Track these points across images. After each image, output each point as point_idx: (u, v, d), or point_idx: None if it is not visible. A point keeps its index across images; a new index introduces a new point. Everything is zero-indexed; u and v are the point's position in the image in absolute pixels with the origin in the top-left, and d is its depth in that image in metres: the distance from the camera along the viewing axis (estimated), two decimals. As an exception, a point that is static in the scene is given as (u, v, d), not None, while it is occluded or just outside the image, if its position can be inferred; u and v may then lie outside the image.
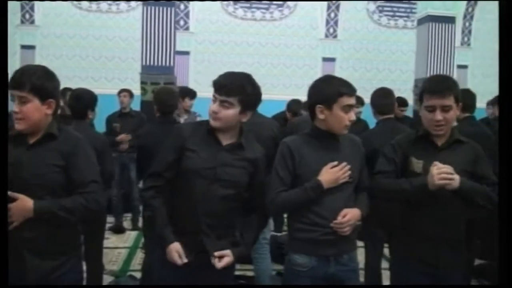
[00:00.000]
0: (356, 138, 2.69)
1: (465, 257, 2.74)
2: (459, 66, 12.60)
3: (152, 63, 7.99)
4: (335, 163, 2.41)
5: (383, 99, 4.01)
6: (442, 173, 2.34)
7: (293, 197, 2.46)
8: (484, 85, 12.85)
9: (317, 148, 2.51)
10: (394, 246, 2.80)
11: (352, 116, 2.45)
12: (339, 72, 12.00)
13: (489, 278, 4.66)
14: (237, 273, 4.70)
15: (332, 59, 12.09)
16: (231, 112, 2.37)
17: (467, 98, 4.17)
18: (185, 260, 2.35)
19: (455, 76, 11.99)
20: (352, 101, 2.45)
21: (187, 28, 11.31)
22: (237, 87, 2.35)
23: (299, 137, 2.61)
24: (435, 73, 8.37)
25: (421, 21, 8.76)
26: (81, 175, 2.24)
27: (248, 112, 2.43)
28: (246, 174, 2.46)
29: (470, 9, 12.64)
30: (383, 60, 12.33)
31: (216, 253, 2.36)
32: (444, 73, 8.42)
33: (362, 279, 4.34)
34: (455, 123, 2.69)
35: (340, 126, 2.47)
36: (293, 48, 11.95)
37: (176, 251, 2.37)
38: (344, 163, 2.42)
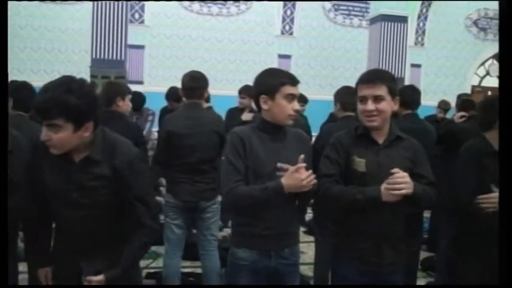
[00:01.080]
0: (305, 135, 2.72)
1: (406, 254, 2.75)
2: (413, 65, 12.99)
3: (102, 56, 7.89)
4: (303, 165, 2.35)
5: (349, 97, 4.06)
6: (397, 183, 2.33)
7: (253, 194, 2.41)
8: (436, 84, 13.31)
9: (265, 140, 2.51)
10: (336, 245, 2.77)
11: (295, 105, 2.48)
12: (294, 69, 12.12)
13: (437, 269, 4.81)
14: (187, 270, 4.69)
15: (288, 56, 12.24)
16: (63, 135, 2.01)
17: (409, 95, 4.27)
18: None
19: (408, 74, 12.33)
20: (294, 90, 2.48)
21: (142, 22, 11.23)
22: (57, 105, 1.95)
23: (248, 128, 2.61)
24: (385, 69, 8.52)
25: (373, 20, 8.94)
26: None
27: (87, 125, 2.06)
28: (107, 194, 2.15)
29: (424, 10, 13.00)
30: (338, 58, 12.58)
31: (87, 278, 2.12)
32: (396, 71, 8.60)
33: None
34: (391, 120, 2.71)
35: (284, 116, 2.49)
36: (249, 44, 12.03)
37: (44, 275, 2.33)
38: (310, 171, 2.38)
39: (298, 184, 2.34)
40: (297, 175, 2.33)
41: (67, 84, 2.01)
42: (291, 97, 2.47)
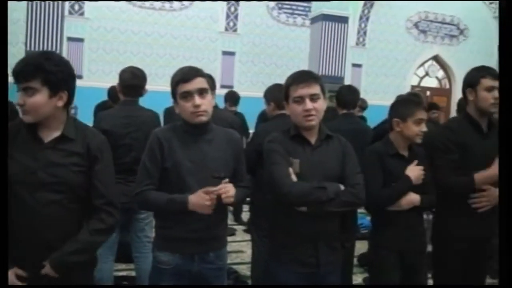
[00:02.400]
0: (235, 135, 2.68)
1: (341, 252, 2.79)
2: (354, 65, 13.35)
3: (37, 48, 7.64)
4: (217, 188, 2.35)
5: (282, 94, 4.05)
6: None
7: (158, 204, 2.43)
8: (376, 83, 13.71)
9: (187, 141, 2.48)
10: (271, 247, 2.73)
11: (196, 101, 2.40)
12: (238, 66, 12.26)
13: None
14: (121, 273, 4.61)
15: (232, 53, 12.33)
16: (38, 99, 2.05)
17: (345, 94, 4.36)
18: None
19: (349, 74, 12.62)
20: (188, 87, 2.41)
21: (82, 14, 10.97)
22: (35, 67, 2.03)
23: (170, 128, 2.56)
24: (327, 70, 8.68)
25: (315, 20, 9.08)
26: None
27: (61, 94, 2.12)
28: (78, 172, 2.15)
29: (366, 11, 13.38)
30: (281, 56, 12.80)
31: (42, 272, 2.09)
32: (336, 71, 8.74)
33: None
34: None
35: (186, 115, 2.45)
36: (192, 40, 12.04)
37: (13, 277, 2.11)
38: (224, 190, 2.38)
39: (202, 205, 2.35)
40: (203, 197, 2.34)
41: (46, 53, 2.14)
42: (186, 94, 2.42)
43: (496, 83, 2.93)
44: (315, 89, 2.50)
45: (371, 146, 3.14)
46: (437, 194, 2.98)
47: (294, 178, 2.45)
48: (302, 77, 2.54)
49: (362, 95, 11.94)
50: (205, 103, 2.44)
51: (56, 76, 2.07)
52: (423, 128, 2.91)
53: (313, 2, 9.23)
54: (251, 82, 12.44)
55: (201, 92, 2.43)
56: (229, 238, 5.70)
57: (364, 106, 8.33)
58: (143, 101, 3.99)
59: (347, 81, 12.58)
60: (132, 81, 3.80)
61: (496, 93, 2.92)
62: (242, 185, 2.61)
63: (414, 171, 2.90)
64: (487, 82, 2.94)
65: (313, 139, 2.58)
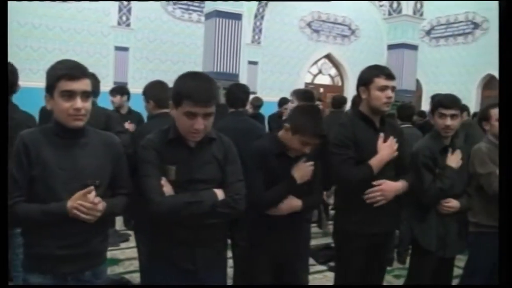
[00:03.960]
0: (114, 138, 2.47)
1: (224, 256, 2.69)
2: (250, 62, 13.54)
3: None
4: (90, 190, 2.14)
5: (163, 92, 3.85)
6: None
7: (32, 216, 2.14)
8: (272, 80, 14.00)
9: (57, 145, 2.22)
10: (151, 252, 2.61)
11: (77, 103, 2.15)
12: (132, 62, 12.05)
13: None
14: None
15: (125, 49, 12.19)
16: None
17: (236, 93, 4.34)
18: None
19: (245, 71, 12.70)
20: (72, 86, 2.15)
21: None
22: None
23: (38, 130, 2.30)
24: (222, 67, 8.65)
25: (208, 16, 9.00)
26: None
27: None
28: None
29: (261, 10, 13.64)
30: (177, 53, 12.84)
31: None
32: (231, 68, 8.72)
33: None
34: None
35: (62, 116, 2.19)
36: (83, 34, 11.74)
37: None
38: (97, 199, 2.18)
39: (83, 212, 2.13)
40: (82, 202, 2.13)
41: None
42: (66, 93, 2.15)
43: (389, 83, 3.02)
44: (211, 109, 2.31)
45: (256, 143, 3.02)
46: (335, 191, 3.00)
47: (168, 189, 2.32)
48: (201, 96, 2.27)
49: (258, 92, 12.27)
50: (86, 107, 2.20)
51: None
52: (308, 150, 2.89)
53: (207, -2, 9.17)
54: (146, 79, 12.02)
55: (85, 95, 2.20)
56: (123, 245, 5.59)
57: (257, 104, 8.42)
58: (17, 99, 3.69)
59: (243, 78, 12.77)
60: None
61: (389, 93, 3.01)
62: (123, 192, 2.42)
63: (300, 170, 2.87)
64: (380, 81, 3.00)
65: (193, 143, 2.41)
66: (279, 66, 14.51)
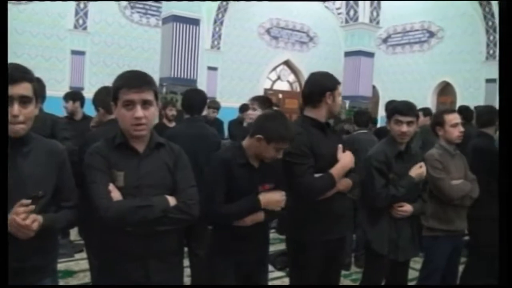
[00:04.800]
0: (58, 146, 2.35)
1: (181, 266, 2.60)
2: (210, 68, 13.52)
3: None
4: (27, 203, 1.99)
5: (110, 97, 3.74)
6: None
7: None
8: (231, 86, 13.97)
9: None
10: (100, 265, 2.50)
11: (14, 110, 2.02)
12: (89, 67, 11.93)
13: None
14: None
15: (82, 53, 12.06)
16: None
17: (192, 99, 4.28)
18: None
19: (205, 77, 12.63)
20: (10, 91, 2.02)
21: None
22: None
23: None
24: (180, 73, 8.57)
25: (165, 20, 8.89)
26: None
27: None
28: None
29: (220, 15, 13.59)
30: (135, 58, 12.74)
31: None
32: (189, 74, 8.64)
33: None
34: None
35: None
36: (39, 37, 11.51)
37: None
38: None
39: (14, 228, 1.98)
40: (15, 217, 1.97)
41: None
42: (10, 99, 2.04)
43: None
44: (149, 95, 2.27)
45: (219, 154, 2.95)
46: (292, 200, 2.94)
47: (116, 195, 2.23)
48: (134, 81, 2.27)
49: (218, 98, 12.22)
50: (26, 114, 2.07)
51: None
52: (281, 155, 2.85)
53: (164, 3, 9.03)
54: (103, 84, 11.77)
55: (24, 100, 2.06)
56: (77, 255, 5.44)
57: (216, 106, 8.36)
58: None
59: (202, 84, 12.69)
60: None
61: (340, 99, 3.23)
62: (69, 205, 2.31)
63: (267, 197, 2.79)
64: (340, 88, 3.13)
65: (141, 148, 2.34)
66: (239, 72, 14.54)
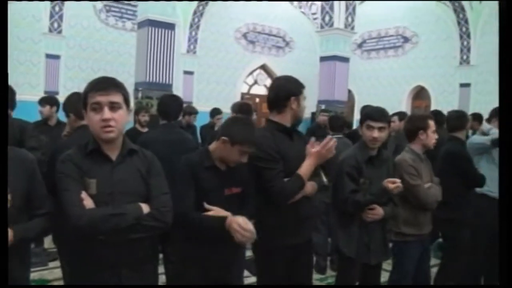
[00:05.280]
0: (28, 155, 2.34)
1: (155, 274, 2.57)
2: (186, 72, 13.46)
3: None
4: None
5: (80, 102, 3.68)
6: None
7: None
8: (208, 90, 13.93)
9: None
10: (72, 274, 2.48)
11: None
12: (64, 71, 11.81)
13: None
14: None
15: (57, 56, 11.86)
16: None
17: (167, 104, 4.25)
18: None
19: (181, 81, 12.58)
20: None
21: None
22: None
23: None
24: (155, 78, 8.52)
25: (141, 25, 8.82)
26: None
27: None
28: None
29: (196, 20, 13.56)
30: (110, 62, 12.63)
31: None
32: (164, 78, 8.59)
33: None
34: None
35: None
36: (13, 40, 11.25)
37: None
38: None
39: None
40: None
41: None
42: None
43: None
44: (117, 98, 2.26)
45: (185, 157, 2.92)
46: (257, 204, 2.93)
47: (89, 203, 2.20)
48: (101, 84, 2.27)
49: (194, 103, 12.17)
50: None
51: None
52: (245, 159, 2.86)
53: (139, 7, 8.96)
54: (78, 88, 11.65)
55: None
56: (52, 264, 5.36)
57: (194, 111, 8.32)
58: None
59: (179, 88, 12.68)
60: None
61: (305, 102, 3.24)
62: (41, 213, 2.30)
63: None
64: (304, 92, 3.11)
65: (114, 155, 2.31)
66: (215, 76, 14.54)
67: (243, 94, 15.06)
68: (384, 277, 3.80)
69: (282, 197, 2.96)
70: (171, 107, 4.30)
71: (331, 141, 3.02)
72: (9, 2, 10.75)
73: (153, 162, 2.42)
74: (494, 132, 4.60)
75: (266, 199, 2.93)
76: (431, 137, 3.80)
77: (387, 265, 3.85)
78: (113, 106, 2.22)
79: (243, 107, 5.03)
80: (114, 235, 2.17)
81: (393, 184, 3.28)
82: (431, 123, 3.85)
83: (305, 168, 2.98)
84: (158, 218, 2.28)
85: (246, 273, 4.76)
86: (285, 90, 3.10)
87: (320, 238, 5.33)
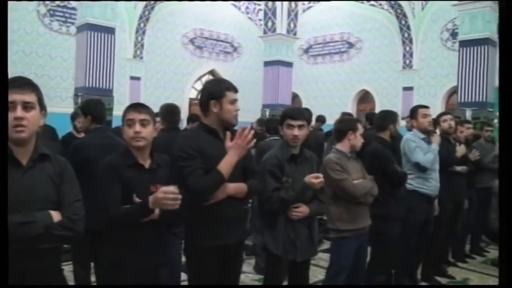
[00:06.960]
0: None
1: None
2: (133, 78, 13.35)
3: None
4: None
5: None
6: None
7: None
8: (155, 96, 13.86)
9: None
10: None
11: None
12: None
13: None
14: None
15: None
16: None
17: (98, 109, 4.32)
18: None
19: (128, 87, 12.43)
20: None
21: None
22: None
23: None
24: (95, 83, 8.40)
25: (80, 29, 8.67)
26: None
27: None
28: None
29: (142, 25, 13.49)
30: (54, 67, 12.34)
31: None
32: (104, 83, 8.45)
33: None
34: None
35: None
36: None
37: None
38: None
39: None
40: None
41: None
42: None
43: (237, 96, 3.09)
44: (31, 97, 2.18)
45: (106, 159, 2.88)
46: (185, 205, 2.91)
47: None
48: (15, 82, 2.17)
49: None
50: None
51: None
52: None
53: (78, 10, 8.78)
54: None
55: None
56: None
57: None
58: None
59: (125, 94, 12.55)
60: None
61: (237, 105, 3.16)
62: None
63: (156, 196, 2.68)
64: (231, 95, 3.04)
65: (24, 160, 2.21)
66: (163, 82, 14.48)
67: (191, 100, 15.00)
68: (322, 275, 3.83)
69: (197, 193, 2.91)
70: (100, 111, 4.28)
71: (246, 130, 3.00)
72: None
73: (65, 167, 2.35)
74: (434, 149, 4.88)
75: (189, 198, 2.93)
76: (358, 138, 3.95)
77: (325, 262, 3.89)
78: (27, 106, 2.16)
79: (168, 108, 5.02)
80: (22, 244, 2.08)
81: (316, 179, 3.35)
82: (360, 126, 4.03)
83: (225, 163, 2.94)
84: (69, 227, 2.20)
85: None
86: (206, 94, 3.09)
87: (259, 239, 5.35)
